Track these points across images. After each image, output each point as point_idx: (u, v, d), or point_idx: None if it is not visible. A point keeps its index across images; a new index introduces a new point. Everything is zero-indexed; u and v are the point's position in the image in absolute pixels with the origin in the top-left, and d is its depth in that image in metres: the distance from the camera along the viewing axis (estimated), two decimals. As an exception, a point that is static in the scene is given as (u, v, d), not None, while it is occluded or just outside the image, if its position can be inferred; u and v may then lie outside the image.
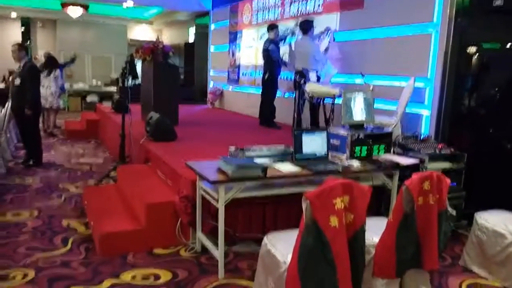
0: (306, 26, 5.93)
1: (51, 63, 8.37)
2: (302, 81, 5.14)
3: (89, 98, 13.11)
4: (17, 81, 5.56)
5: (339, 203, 2.19)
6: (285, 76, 6.98)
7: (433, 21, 4.42)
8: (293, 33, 6.94)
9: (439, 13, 4.37)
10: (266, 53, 6.55)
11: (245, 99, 8.83)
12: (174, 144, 5.01)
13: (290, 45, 6.64)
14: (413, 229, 2.51)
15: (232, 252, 3.29)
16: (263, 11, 8.14)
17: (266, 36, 6.87)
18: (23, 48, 5.72)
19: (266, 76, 6.68)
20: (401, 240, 2.47)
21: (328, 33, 5.94)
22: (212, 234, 3.26)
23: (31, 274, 2.83)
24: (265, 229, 3.42)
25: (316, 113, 5.24)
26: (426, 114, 4.51)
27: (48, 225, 3.72)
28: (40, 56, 13.72)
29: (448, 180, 2.59)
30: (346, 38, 5.84)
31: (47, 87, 8.10)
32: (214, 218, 3.19)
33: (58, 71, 8.39)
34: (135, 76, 5.43)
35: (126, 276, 2.87)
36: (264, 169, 2.91)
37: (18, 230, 3.57)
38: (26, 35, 13.81)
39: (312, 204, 2.14)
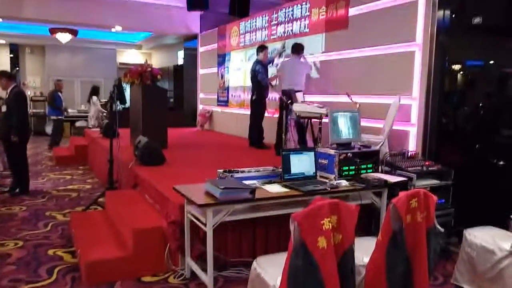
0: (299, 48, 6.07)
1: (91, 91, 10.33)
2: (289, 102, 5.17)
3: (78, 123, 13.04)
4: (3, 108, 5.53)
5: (327, 224, 2.17)
6: (274, 97, 7.04)
7: (415, 40, 4.50)
8: (280, 54, 7.03)
9: (420, 32, 4.46)
10: (253, 74, 6.62)
11: (234, 120, 8.86)
12: (163, 168, 4.98)
13: (277, 66, 6.72)
14: (402, 247, 2.49)
15: (222, 278, 3.23)
16: (251, 33, 8.26)
17: (254, 58, 6.94)
18: (5, 75, 5.63)
19: (254, 97, 6.73)
20: (391, 259, 2.45)
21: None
22: (201, 259, 3.21)
23: (15, 307, 2.74)
24: (255, 252, 3.39)
25: (304, 133, 5.27)
26: (413, 131, 4.55)
27: (33, 255, 3.63)
28: (28, 82, 13.79)
29: (435, 197, 2.59)
30: (331, 58, 5.93)
31: (89, 110, 10.48)
32: (203, 243, 3.15)
33: (94, 98, 10.17)
34: (123, 101, 5.43)
35: (113, 306, 2.80)
36: (253, 191, 2.89)
37: (1, 261, 3.48)
38: (14, 61, 13.81)
39: (300, 225, 2.12)
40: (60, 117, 10.23)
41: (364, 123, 4.37)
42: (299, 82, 5.84)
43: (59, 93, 10.22)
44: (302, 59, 6.14)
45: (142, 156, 5.03)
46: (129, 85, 6.78)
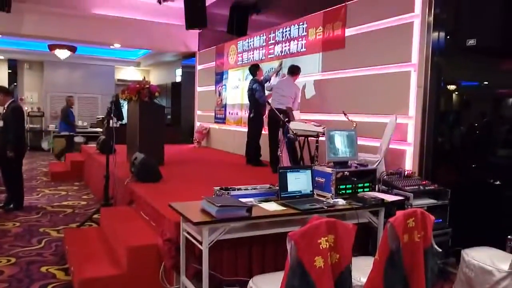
0: (296, 70, 6.16)
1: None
2: (286, 120, 5.19)
3: (75, 139, 13.00)
4: (0, 123, 5.52)
5: (324, 243, 2.16)
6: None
7: (411, 60, 4.56)
8: (277, 73, 7.09)
9: (416, 53, 4.52)
10: (251, 92, 6.67)
11: (231, 138, 8.87)
12: (159, 185, 4.95)
13: (273, 84, 6.77)
14: (400, 267, 2.47)
15: (217, 296, 3.19)
16: (248, 52, 8.34)
17: (251, 76, 7.00)
18: (2, 91, 5.64)
19: (251, 115, 6.76)
20: (388, 279, 2.42)
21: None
22: (197, 278, 3.16)
23: (5, 326, 2.69)
24: (251, 271, 3.34)
25: (301, 151, 5.28)
26: (409, 151, 4.56)
27: (25, 272, 3.58)
28: (26, 97, 13.81)
29: (432, 217, 2.58)
30: (328, 77, 5.99)
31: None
32: (198, 261, 3.11)
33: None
34: (120, 117, 5.45)
35: (106, 325, 2.74)
36: (249, 209, 2.87)
37: (-7, 279, 3.43)
38: (13, 76, 13.85)
39: (297, 244, 2.11)
40: (71, 133, 10.39)
41: (360, 142, 4.40)
42: (284, 102, 5.89)
43: (71, 109, 10.41)
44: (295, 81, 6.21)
45: (138, 172, 5.01)
46: (126, 102, 6.80)
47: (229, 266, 3.36)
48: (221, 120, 9.45)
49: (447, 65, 4.34)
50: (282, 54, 7.15)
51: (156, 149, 6.18)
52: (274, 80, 6.94)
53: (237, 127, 8.65)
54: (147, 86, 6.43)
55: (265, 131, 6.92)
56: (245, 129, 7.27)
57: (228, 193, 3.22)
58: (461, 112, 4.60)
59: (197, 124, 10.77)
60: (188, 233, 3.01)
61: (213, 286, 3.14)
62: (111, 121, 5.14)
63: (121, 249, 3.42)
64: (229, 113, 9.10)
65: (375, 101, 5.04)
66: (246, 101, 7.43)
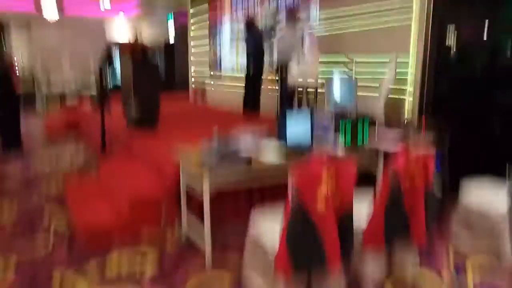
0: (291, 16, 5.94)
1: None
2: (284, 74, 5.10)
3: (68, 100, 12.87)
4: None
5: (325, 186, 2.16)
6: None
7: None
8: (271, 28, 6.90)
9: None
10: (252, 50, 6.51)
11: (227, 93, 8.77)
12: (158, 135, 4.94)
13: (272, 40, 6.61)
14: (400, 207, 2.50)
15: (219, 244, 3.22)
16: (242, 5, 8.07)
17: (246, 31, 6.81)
18: None
19: (250, 72, 6.64)
20: (389, 219, 2.46)
21: None
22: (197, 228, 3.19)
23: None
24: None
25: (300, 102, 5.22)
26: (409, 99, 4.53)
27: (28, 221, 3.60)
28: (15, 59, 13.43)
29: (432, 162, 2.59)
30: (326, 17, 5.82)
31: None
32: (199, 211, 3.12)
33: None
34: (111, 63, 5.34)
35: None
36: (249, 159, 2.86)
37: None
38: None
39: (298, 189, 2.11)
40: None
41: (361, 83, 4.33)
42: (287, 54, 5.72)
43: None
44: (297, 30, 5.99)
45: (136, 118, 4.96)
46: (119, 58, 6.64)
47: (230, 216, 3.40)
48: (217, 77, 9.30)
49: (449, 3, 4.19)
50: (279, 8, 6.90)
51: (151, 109, 6.05)
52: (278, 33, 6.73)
53: (234, 82, 8.52)
54: (140, 43, 6.28)
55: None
56: (242, 84, 7.15)
57: (227, 141, 3.16)
58: (462, 55, 4.46)
59: (192, 79, 10.62)
60: (188, 182, 3.00)
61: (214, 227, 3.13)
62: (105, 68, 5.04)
63: (122, 200, 3.44)
64: (225, 69, 8.94)
65: (375, 39, 4.92)
66: (242, 56, 7.28)
